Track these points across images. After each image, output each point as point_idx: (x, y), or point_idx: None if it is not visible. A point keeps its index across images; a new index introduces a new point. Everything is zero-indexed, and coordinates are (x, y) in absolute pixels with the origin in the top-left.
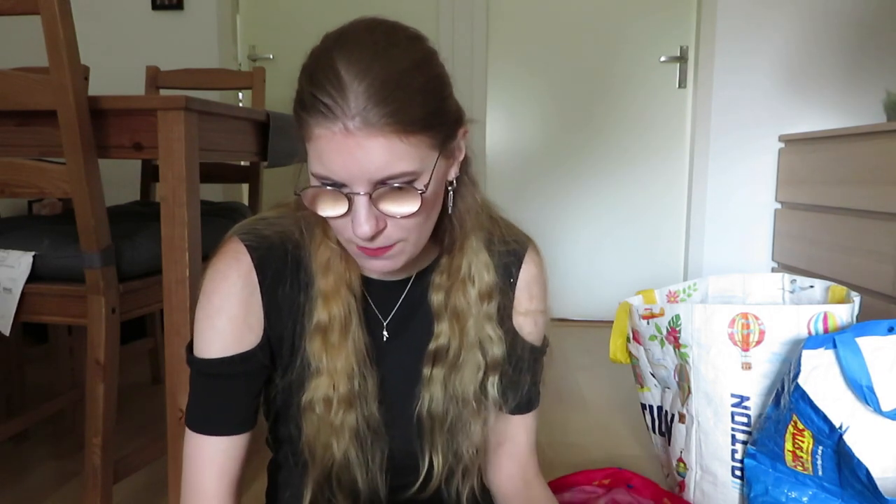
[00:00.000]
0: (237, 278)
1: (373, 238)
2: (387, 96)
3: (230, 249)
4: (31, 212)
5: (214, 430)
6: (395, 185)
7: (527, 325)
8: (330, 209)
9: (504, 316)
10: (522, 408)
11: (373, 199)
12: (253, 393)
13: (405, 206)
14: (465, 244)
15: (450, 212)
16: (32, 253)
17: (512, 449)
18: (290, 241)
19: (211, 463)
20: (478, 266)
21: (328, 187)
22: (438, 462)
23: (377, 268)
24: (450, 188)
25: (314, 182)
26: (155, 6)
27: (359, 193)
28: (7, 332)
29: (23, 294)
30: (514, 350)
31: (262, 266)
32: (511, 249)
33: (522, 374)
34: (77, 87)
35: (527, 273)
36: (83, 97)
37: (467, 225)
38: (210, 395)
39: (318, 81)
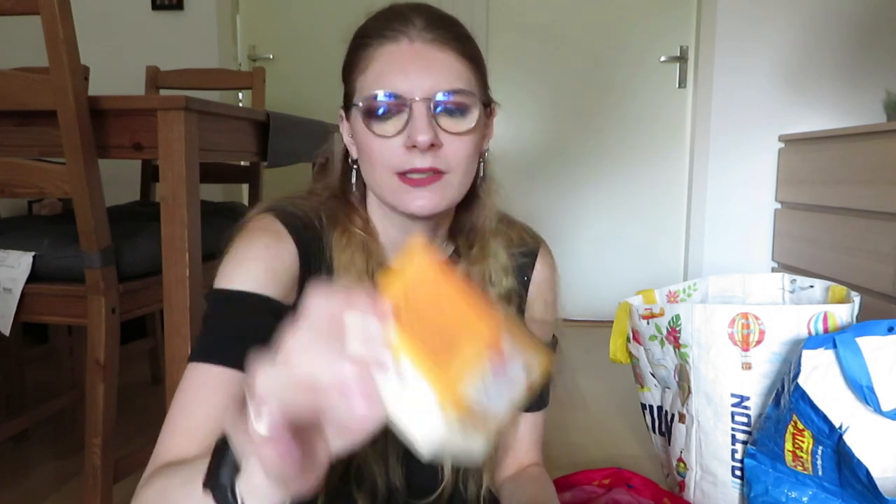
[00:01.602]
0: (275, 241)
1: (427, 151)
2: (445, 24)
3: (262, 221)
4: (31, 212)
5: (226, 360)
6: (453, 99)
7: (538, 322)
8: (385, 125)
9: (519, 313)
10: (533, 406)
11: (431, 110)
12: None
13: (462, 123)
14: (484, 248)
15: (479, 181)
16: (32, 253)
17: (516, 443)
18: (311, 227)
19: (213, 393)
20: (497, 270)
21: (390, 101)
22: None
23: (417, 206)
24: (481, 159)
25: (366, 117)
26: (155, 6)
27: (416, 99)
28: (7, 332)
29: (23, 294)
30: None
31: (296, 236)
32: (526, 251)
33: None
34: (77, 87)
35: (539, 272)
36: (83, 97)
37: (487, 222)
38: (228, 323)
39: (377, 17)
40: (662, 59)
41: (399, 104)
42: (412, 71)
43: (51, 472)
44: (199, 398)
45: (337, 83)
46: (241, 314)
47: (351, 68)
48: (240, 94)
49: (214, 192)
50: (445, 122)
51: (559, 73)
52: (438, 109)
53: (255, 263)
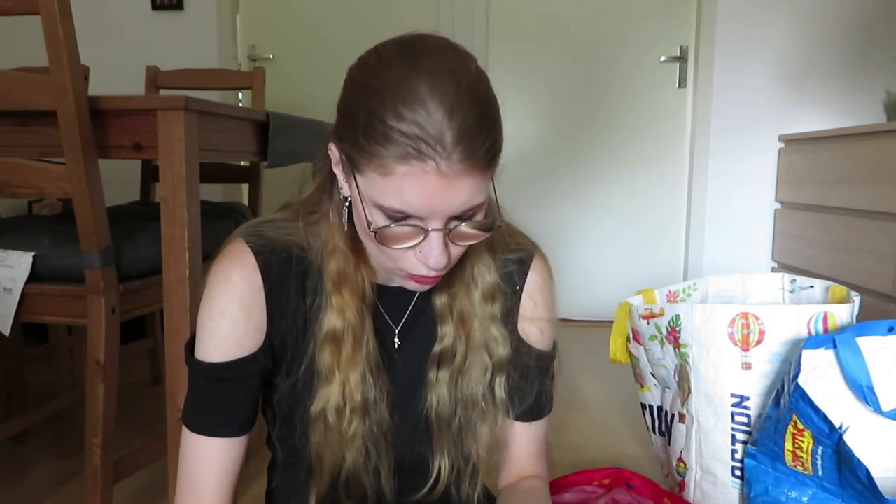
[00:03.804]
0: (240, 280)
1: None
2: (478, 134)
3: (234, 251)
4: (31, 212)
5: (214, 432)
6: (470, 215)
7: (533, 332)
8: (401, 242)
9: (509, 322)
10: (528, 414)
11: (447, 232)
12: (253, 397)
13: (473, 238)
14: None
15: None
16: (32, 253)
17: (516, 454)
18: (296, 245)
19: (210, 463)
20: (479, 268)
21: (405, 222)
22: (445, 464)
23: (414, 287)
24: None
25: (376, 212)
26: (155, 6)
27: (437, 229)
28: (7, 332)
29: (23, 294)
30: (519, 356)
31: (267, 269)
32: (516, 257)
33: (530, 382)
34: (77, 87)
35: (532, 281)
36: (83, 97)
37: None
38: (210, 398)
39: (402, 114)
40: (662, 59)
41: (416, 229)
42: (437, 203)
43: (51, 472)
44: (200, 467)
45: (337, 82)
46: (220, 387)
47: (359, 144)
48: (240, 94)
49: (214, 192)
50: (459, 238)
51: (559, 74)
52: (453, 231)
53: (223, 324)
